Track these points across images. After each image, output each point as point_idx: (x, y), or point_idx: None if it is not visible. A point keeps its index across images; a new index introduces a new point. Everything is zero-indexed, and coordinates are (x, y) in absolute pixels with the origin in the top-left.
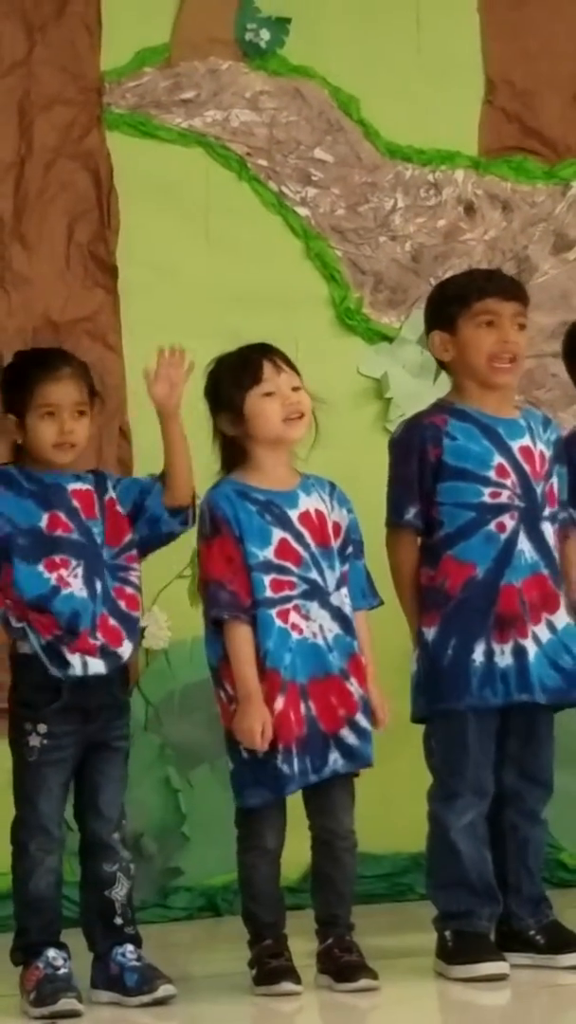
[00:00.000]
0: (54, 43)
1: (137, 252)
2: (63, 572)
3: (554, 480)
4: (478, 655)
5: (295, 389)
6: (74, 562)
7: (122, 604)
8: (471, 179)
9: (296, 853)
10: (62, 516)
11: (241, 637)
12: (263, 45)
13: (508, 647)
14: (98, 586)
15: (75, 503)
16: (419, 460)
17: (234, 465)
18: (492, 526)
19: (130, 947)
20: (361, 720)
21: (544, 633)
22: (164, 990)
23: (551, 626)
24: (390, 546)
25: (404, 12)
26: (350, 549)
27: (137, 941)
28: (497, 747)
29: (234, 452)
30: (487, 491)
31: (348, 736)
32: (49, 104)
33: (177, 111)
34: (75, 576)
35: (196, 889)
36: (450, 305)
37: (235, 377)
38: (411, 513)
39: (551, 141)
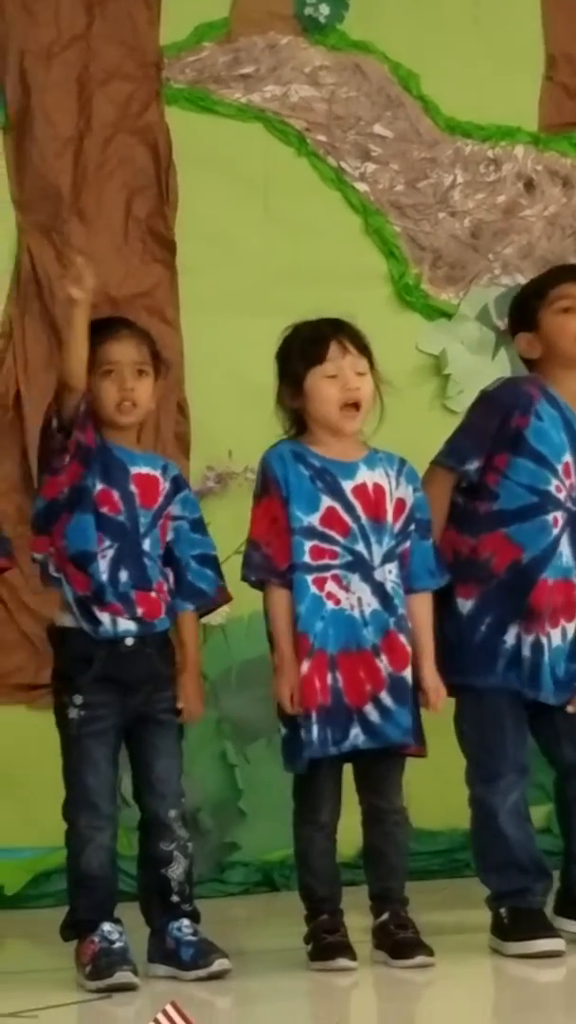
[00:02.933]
0: (113, 17)
1: (195, 227)
2: (103, 546)
3: None
4: (510, 637)
5: (359, 374)
6: (108, 543)
7: (156, 587)
8: (531, 155)
9: (353, 829)
10: (115, 495)
11: (275, 601)
12: (322, 20)
13: (530, 640)
14: (122, 574)
15: (133, 488)
16: (502, 421)
17: (299, 431)
18: (549, 517)
19: (186, 922)
20: (386, 699)
21: (556, 638)
22: (219, 964)
23: (564, 634)
24: (429, 482)
25: None
26: (412, 527)
27: (195, 917)
28: (549, 723)
29: (297, 422)
30: (554, 482)
31: (372, 713)
32: (108, 79)
33: (236, 86)
34: (104, 557)
35: (253, 864)
36: (529, 301)
37: (302, 351)
38: (473, 465)
39: None
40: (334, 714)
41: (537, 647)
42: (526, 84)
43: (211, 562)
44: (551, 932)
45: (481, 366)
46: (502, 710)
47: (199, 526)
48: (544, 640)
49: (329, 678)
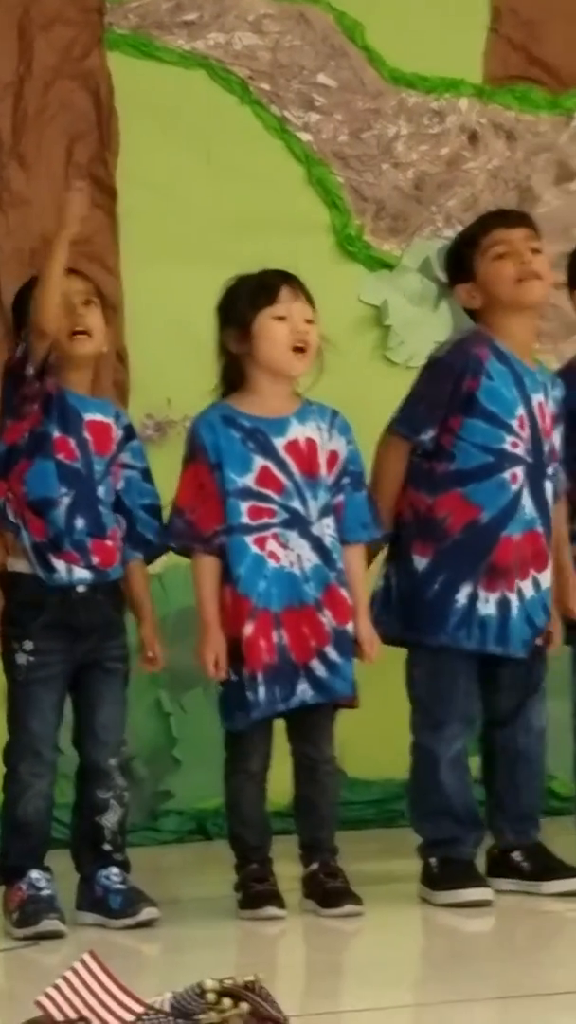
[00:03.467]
0: None
1: (137, 174)
2: (60, 493)
3: (556, 438)
4: (462, 597)
5: (308, 321)
6: (64, 490)
7: (110, 534)
8: (475, 108)
9: (285, 779)
10: (71, 442)
11: (200, 567)
12: None
13: (494, 597)
14: (78, 521)
15: (87, 435)
16: (454, 386)
17: (232, 388)
18: (507, 474)
19: (115, 870)
20: (331, 652)
21: (529, 589)
22: (147, 913)
23: (536, 584)
24: (383, 450)
25: None
26: (346, 480)
27: (125, 866)
28: (491, 674)
29: (234, 374)
30: (509, 439)
31: (318, 668)
32: (49, 23)
33: (179, 33)
34: (60, 504)
35: (186, 813)
36: (463, 252)
37: (251, 295)
38: (428, 435)
39: (556, 71)
40: (281, 671)
41: (503, 604)
42: (471, 36)
43: (157, 512)
44: (480, 882)
45: (422, 318)
46: (455, 662)
47: (148, 476)
48: (512, 596)
49: (274, 636)
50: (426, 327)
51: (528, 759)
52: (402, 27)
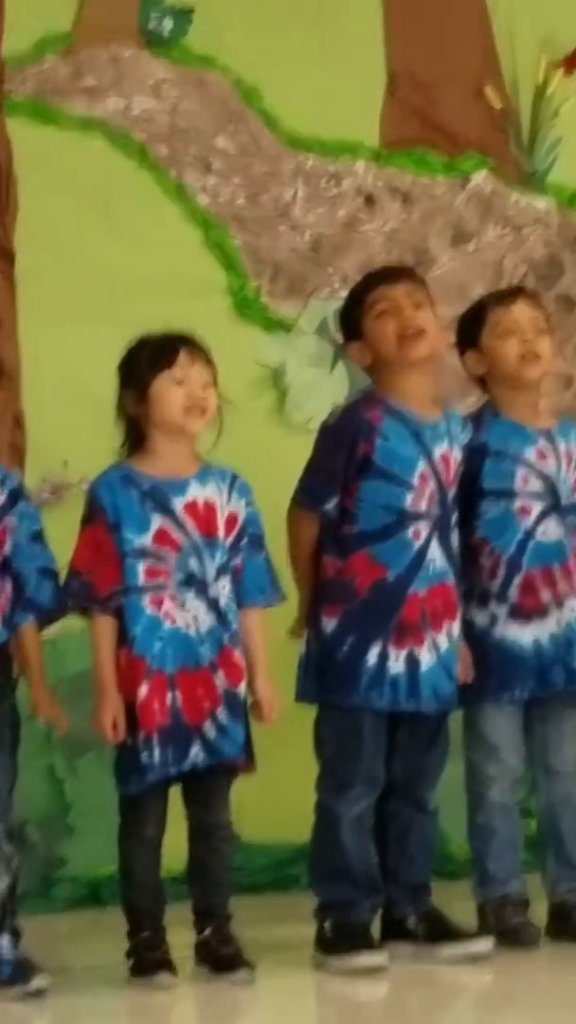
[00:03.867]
0: None
1: (36, 238)
2: None
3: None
4: (372, 656)
5: (206, 385)
6: None
7: None
8: (371, 170)
9: (180, 844)
10: None
11: (96, 628)
12: (166, 34)
13: (403, 654)
14: None
15: None
16: (348, 453)
17: (133, 449)
18: (409, 532)
19: (5, 939)
20: (222, 715)
21: (443, 641)
22: (38, 982)
23: (449, 634)
24: (292, 525)
25: (307, 3)
26: (245, 542)
27: (15, 934)
28: (388, 737)
29: (134, 435)
30: (409, 497)
31: (210, 730)
32: None
33: (78, 98)
34: None
35: (80, 879)
36: (351, 313)
37: (150, 358)
38: (331, 504)
39: (451, 134)
40: (174, 734)
41: (412, 660)
42: (368, 100)
43: (50, 575)
44: (374, 947)
45: (319, 379)
46: (363, 723)
47: (39, 538)
48: (419, 652)
49: (168, 698)
50: (323, 389)
51: (420, 830)
52: (299, 91)
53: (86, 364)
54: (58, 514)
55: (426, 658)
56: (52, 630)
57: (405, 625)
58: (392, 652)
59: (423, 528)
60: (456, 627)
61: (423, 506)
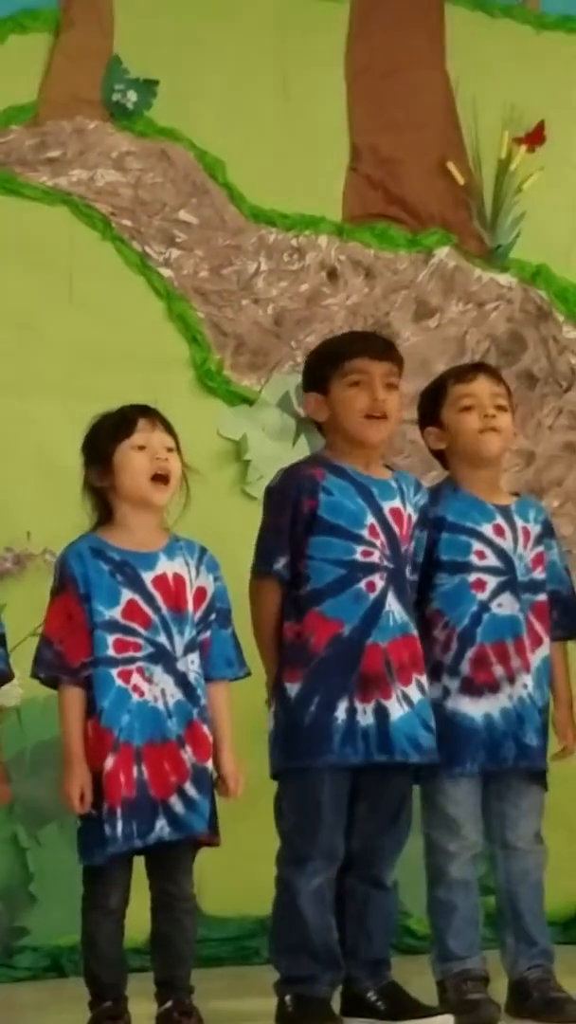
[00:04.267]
0: None
1: None
2: None
3: (413, 543)
4: (340, 712)
5: (169, 450)
6: None
7: None
8: (334, 244)
9: (142, 915)
10: None
11: (67, 699)
12: (130, 106)
13: (370, 707)
14: None
15: None
16: (293, 510)
17: (102, 521)
18: (362, 584)
19: None
20: (190, 789)
21: (415, 693)
22: None
23: (420, 686)
24: (253, 594)
25: (271, 77)
26: (212, 616)
27: None
28: (347, 812)
29: (101, 508)
30: (359, 549)
31: (176, 804)
32: None
33: (43, 169)
34: None
35: (42, 949)
36: (323, 367)
37: (110, 428)
38: (280, 563)
39: (414, 209)
40: (139, 807)
41: (380, 712)
42: (330, 174)
43: (2, 640)
44: (334, 1021)
45: (281, 452)
46: (322, 795)
47: None
48: (388, 703)
49: (135, 771)
50: (285, 461)
51: (377, 906)
52: (263, 165)
53: (49, 436)
54: (20, 585)
55: (396, 709)
56: (14, 699)
57: (368, 677)
58: (359, 706)
59: (377, 580)
60: (425, 680)
61: (375, 558)
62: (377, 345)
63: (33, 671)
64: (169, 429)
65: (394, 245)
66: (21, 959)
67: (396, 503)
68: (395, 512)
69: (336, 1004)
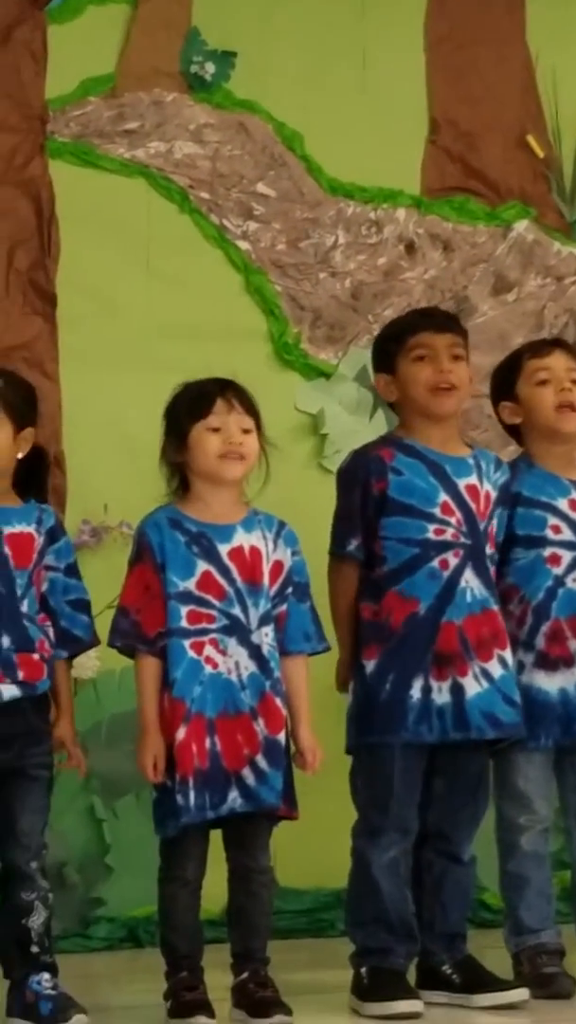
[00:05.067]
0: None
1: (77, 281)
2: None
3: (494, 522)
4: (415, 691)
5: (245, 432)
6: None
7: (37, 647)
8: (413, 218)
9: (218, 886)
10: None
11: (143, 668)
12: (208, 78)
13: (446, 685)
14: (4, 639)
15: (7, 550)
16: (363, 492)
17: (180, 493)
18: (435, 563)
19: (46, 975)
20: (262, 762)
21: (497, 669)
22: (77, 1020)
23: (503, 661)
24: (330, 576)
25: (350, 49)
26: (290, 590)
27: (53, 970)
28: (424, 786)
29: (179, 480)
30: (431, 527)
31: (248, 776)
32: None
33: (120, 141)
34: None
35: (118, 920)
36: (388, 346)
37: (188, 406)
38: (353, 545)
39: (493, 183)
40: (212, 778)
41: (456, 689)
42: (409, 147)
43: (84, 607)
44: (410, 994)
45: (358, 426)
46: (394, 770)
47: (72, 571)
48: (464, 680)
49: (207, 742)
50: (362, 435)
51: (454, 880)
52: (341, 137)
53: (125, 408)
54: (97, 557)
55: (472, 686)
56: (90, 671)
57: (443, 655)
58: (434, 684)
59: (451, 558)
60: (509, 655)
61: (449, 536)
62: (438, 318)
63: (110, 640)
64: (248, 407)
65: (472, 218)
66: (97, 929)
67: (472, 480)
68: (471, 489)
69: (412, 977)
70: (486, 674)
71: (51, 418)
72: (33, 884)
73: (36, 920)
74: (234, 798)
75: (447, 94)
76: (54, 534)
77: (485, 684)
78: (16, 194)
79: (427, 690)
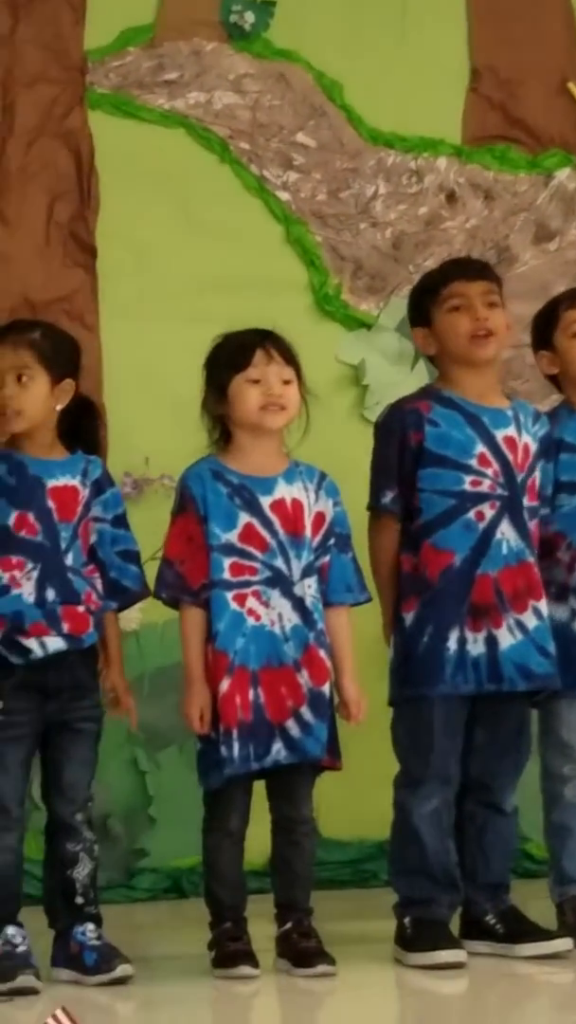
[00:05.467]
0: (38, 21)
1: (117, 232)
2: (16, 573)
3: (536, 475)
4: (452, 643)
5: (285, 383)
6: (30, 565)
7: (84, 599)
8: (453, 167)
9: (263, 838)
10: (31, 518)
11: (188, 619)
12: (247, 28)
13: (481, 636)
14: (49, 592)
15: (50, 503)
16: (400, 445)
17: (221, 445)
18: (471, 514)
19: (91, 926)
20: (307, 713)
21: (531, 620)
22: (122, 970)
23: (538, 612)
24: (369, 530)
25: None
26: (332, 541)
27: (98, 920)
28: (466, 737)
29: (221, 431)
30: (468, 479)
31: (292, 728)
32: (32, 82)
33: (160, 92)
34: (28, 579)
35: (161, 871)
36: (422, 299)
37: (227, 358)
38: (388, 498)
39: (535, 131)
40: (256, 730)
41: (491, 641)
42: (450, 96)
43: (133, 557)
44: (453, 943)
45: (399, 377)
46: (435, 718)
47: (121, 522)
48: (498, 632)
49: (251, 694)
50: (403, 386)
51: (496, 831)
52: (381, 87)
53: (166, 360)
54: (139, 509)
55: (506, 638)
56: (133, 623)
57: (479, 607)
58: (470, 636)
59: (486, 509)
60: (544, 606)
61: (485, 487)
62: (471, 267)
63: (156, 591)
64: (288, 358)
65: (514, 167)
66: (141, 880)
67: (510, 431)
68: (509, 440)
69: (455, 927)
70: (520, 626)
71: (92, 371)
72: (78, 836)
73: (81, 871)
74: (278, 750)
75: (488, 42)
76: (100, 485)
77: (519, 636)
78: (56, 146)
79: (463, 642)
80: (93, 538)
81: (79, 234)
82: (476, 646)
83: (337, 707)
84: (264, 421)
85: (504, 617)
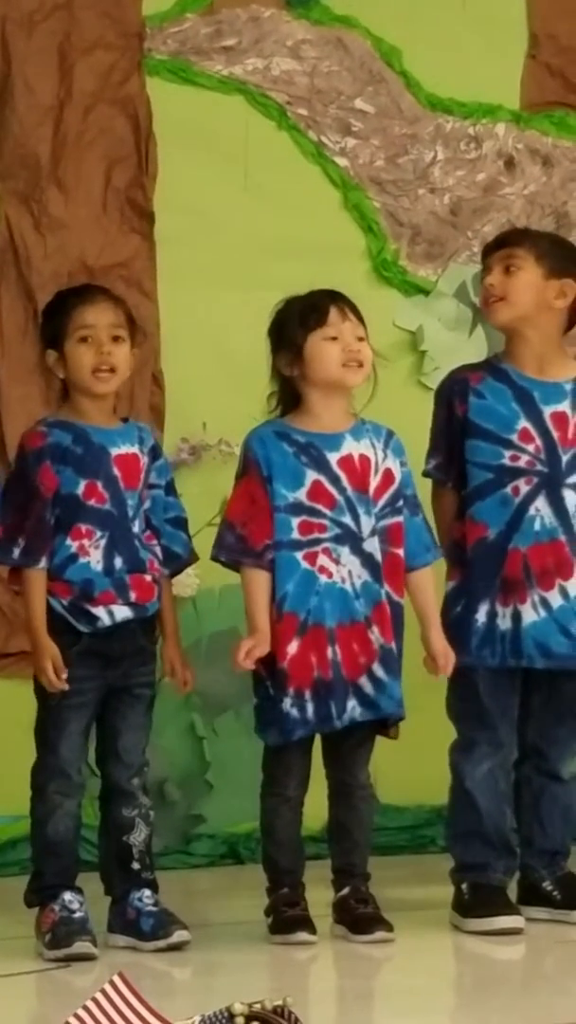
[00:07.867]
0: None
1: (174, 199)
2: (85, 542)
3: None
4: (481, 615)
5: (360, 339)
6: (99, 533)
7: (148, 567)
8: (512, 133)
9: (320, 803)
10: (99, 486)
11: (251, 580)
12: None
13: (508, 611)
14: (117, 560)
15: (116, 471)
16: (447, 414)
17: (287, 409)
18: (508, 489)
19: (147, 892)
20: (379, 670)
21: (556, 599)
22: (179, 936)
23: (564, 592)
24: (432, 497)
25: None
26: (401, 502)
27: (154, 886)
28: (523, 703)
29: (288, 395)
30: (508, 454)
31: (366, 685)
32: (90, 48)
33: (218, 58)
34: (96, 547)
35: (218, 836)
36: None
37: (301, 318)
38: (432, 464)
39: None
40: (335, 688)
41: (516, 617)
42: (509, 62)
43: (183, 524)
44: (511, 909)
45: (457, 343)
46: (479, 686)
47: (171, 489)
48: (523, 608)
49: (329, 652)
50: (461, 353)
51: (553, 798)
52: (440, 53)
53: (224, 327)
54: (196, 475)
55: (529, 615)
56: (190, 588)
57: (508, 581)
58: (500, 610)
59: (522, 485)
60: (573, 585)
61: (523, 463)
62: (494, 239)
63: (214, 554)
64: (359, 316)
65: (572, 133)
66: (198, 846)
67: (562, 407)
68: (558, 416)
69: (512, 894)
70: (545, 603)
71: (149, 337)
72: (134, 801)
73: (137, 837)
74: (353, 707)
75: (547, 8)
76: (156, 452)
77: (543, 613)
78: (113, 112)
79: (492, 615)
80: (147, 504)
81: (136, 200)
82: (504, 621)
83: (424, 661)
84: (346, 378)
85: (529, 593)
